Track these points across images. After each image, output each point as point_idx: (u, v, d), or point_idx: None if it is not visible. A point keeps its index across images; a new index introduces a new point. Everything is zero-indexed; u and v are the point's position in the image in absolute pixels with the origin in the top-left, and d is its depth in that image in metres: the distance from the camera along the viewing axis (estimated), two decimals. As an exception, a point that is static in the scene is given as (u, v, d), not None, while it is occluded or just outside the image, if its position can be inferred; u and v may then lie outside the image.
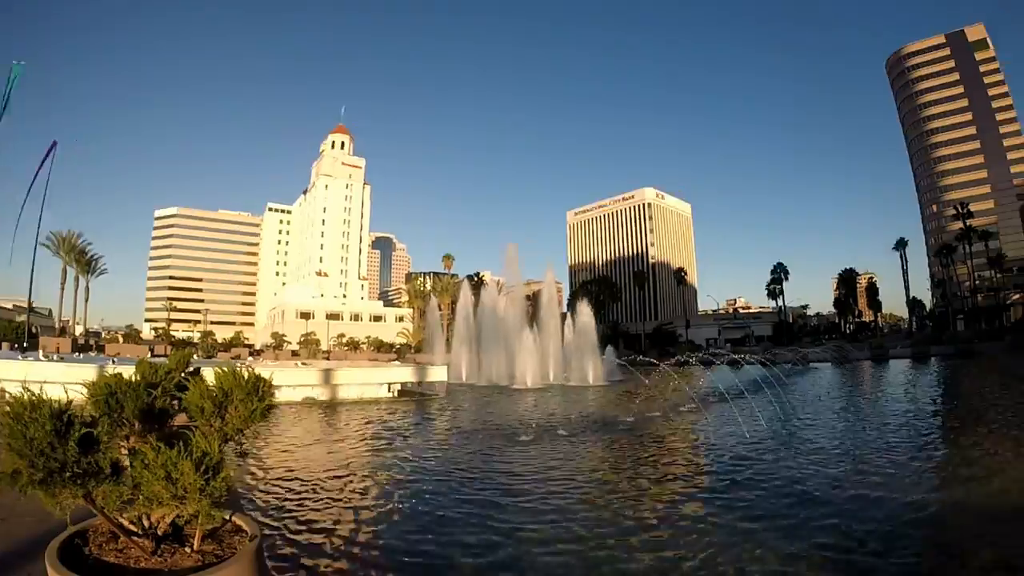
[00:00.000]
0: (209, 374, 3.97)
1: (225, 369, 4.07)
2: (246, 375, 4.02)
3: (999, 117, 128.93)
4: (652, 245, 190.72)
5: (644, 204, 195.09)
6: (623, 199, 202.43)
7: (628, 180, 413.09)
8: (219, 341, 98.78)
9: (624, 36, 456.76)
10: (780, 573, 5.03)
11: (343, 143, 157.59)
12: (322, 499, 7.62)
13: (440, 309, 75.51)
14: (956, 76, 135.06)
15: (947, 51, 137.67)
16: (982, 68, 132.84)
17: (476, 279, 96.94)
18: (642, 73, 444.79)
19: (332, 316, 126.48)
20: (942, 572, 5.20)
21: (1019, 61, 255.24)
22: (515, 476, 9.05)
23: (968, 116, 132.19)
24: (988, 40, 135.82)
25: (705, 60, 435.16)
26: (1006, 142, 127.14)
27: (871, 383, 28.55)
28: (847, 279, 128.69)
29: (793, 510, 6.82)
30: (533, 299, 56.99)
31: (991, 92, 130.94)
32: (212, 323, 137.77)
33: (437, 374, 26.74)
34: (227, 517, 3.80)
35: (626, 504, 7.34)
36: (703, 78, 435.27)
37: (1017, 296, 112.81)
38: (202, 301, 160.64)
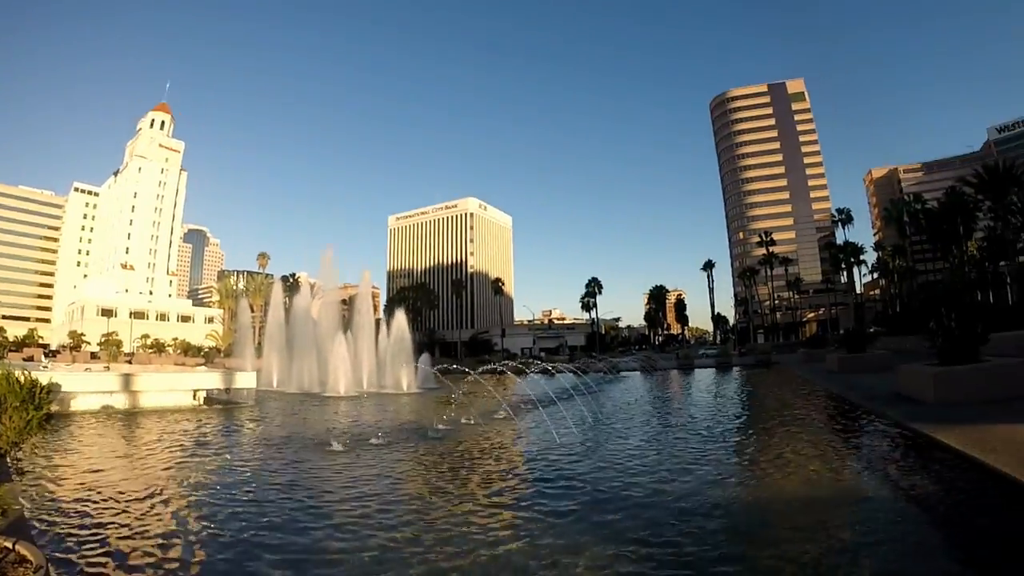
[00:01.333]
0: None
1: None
2: (22, 380, 3.64)
3: (806, 161, 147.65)
4: (472, 255, 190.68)
5: (467, 214, 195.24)
6: (446, 207, 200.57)
7: (452, 189, 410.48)
8: (9, 340, 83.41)
9: (465, 52, 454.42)
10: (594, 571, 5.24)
11: (163, 123, 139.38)
12: (119, 523, 6.83)
13: (252, 311, 69.14)
14: (772, 122, 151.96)
15: (767, 99, 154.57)
16: (797, 118, 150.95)
17: (291, 280, 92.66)
18: (473, 88, 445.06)
19: (137, 315, 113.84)
20: (736, 559, 5.52)
21: (828, 112, 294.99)
22: (325, 492, 8.69)
23: (779, 157, 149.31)
24: (805, 94, 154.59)
25: (535, 77, 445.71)
26: (810, 182, 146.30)
27: (678, 390, 29.79)
28: (657, 295, 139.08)
29: (603, 511, 7.13)
30: (349, 304, 56.16)
31: (802, 139, 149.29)
32: (2, 317, 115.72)
33: (246, 380, 25.84)
34: (10, 546, 3.43)
35: (438, 512, 7.40)
36: (533, 94, 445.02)
37: (811, 314, 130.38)
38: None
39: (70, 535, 6.20)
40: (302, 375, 36.48)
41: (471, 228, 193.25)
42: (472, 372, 24.38)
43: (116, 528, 6.58)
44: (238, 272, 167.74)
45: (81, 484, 8.91)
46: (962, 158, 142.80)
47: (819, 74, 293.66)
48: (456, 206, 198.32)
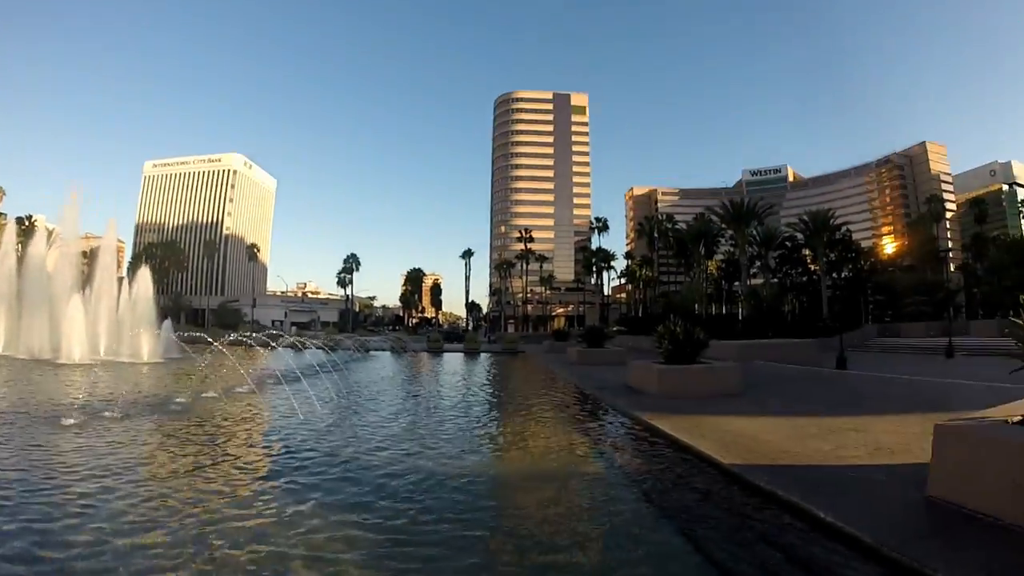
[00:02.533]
0: None
1: None
2: None
3: (575, 169, 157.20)
4: (230, 215, 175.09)
5: (230, 171, 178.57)
6: (208, 160, 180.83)
7: (218, 142, 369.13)
8: None
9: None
10: (337, 549, 5.26)
11: None
12: None
13: None
14: (551, 128, 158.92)
15: (550, 106, 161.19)
16: (575, 128, 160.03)
17: (27, 223, 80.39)
18: (260, 42, 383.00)
19: None
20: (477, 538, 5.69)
21: (605, 127, 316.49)
22: (66, 470, 7.92)
23: (551, 162, 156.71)
24: (586, 108, 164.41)
25: (315, 43, 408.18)
26: (576, 189, 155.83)
27: (425, 371, 30.12)
28: (414, 277, 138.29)
29: (347, 487, 7.29)
30: (90, 257, 50.14)
31: (575, 149, 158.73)
32: None
33: None
34: None
35: (176, 489, 7.09)
36: (321, 61, 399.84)
37: (561, 310, 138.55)
38: None
39: None
40: (32, 338, 31.58)
41: (232, 186, 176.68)
42: (217, 343, 22.49)
43: None
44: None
45: None
46: (716, 190, 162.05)
47: (609, 93, 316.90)
48: (220, 160, 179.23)
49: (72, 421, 11.36)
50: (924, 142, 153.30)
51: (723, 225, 75.61)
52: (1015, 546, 4.71)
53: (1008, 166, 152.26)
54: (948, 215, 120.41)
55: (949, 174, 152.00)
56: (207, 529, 5.63)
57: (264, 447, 9.90)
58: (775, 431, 10.18)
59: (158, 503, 6.45)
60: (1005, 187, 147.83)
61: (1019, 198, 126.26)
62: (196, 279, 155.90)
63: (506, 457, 9.66)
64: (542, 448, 10.04)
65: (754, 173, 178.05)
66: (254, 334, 29.60)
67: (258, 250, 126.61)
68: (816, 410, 12.76)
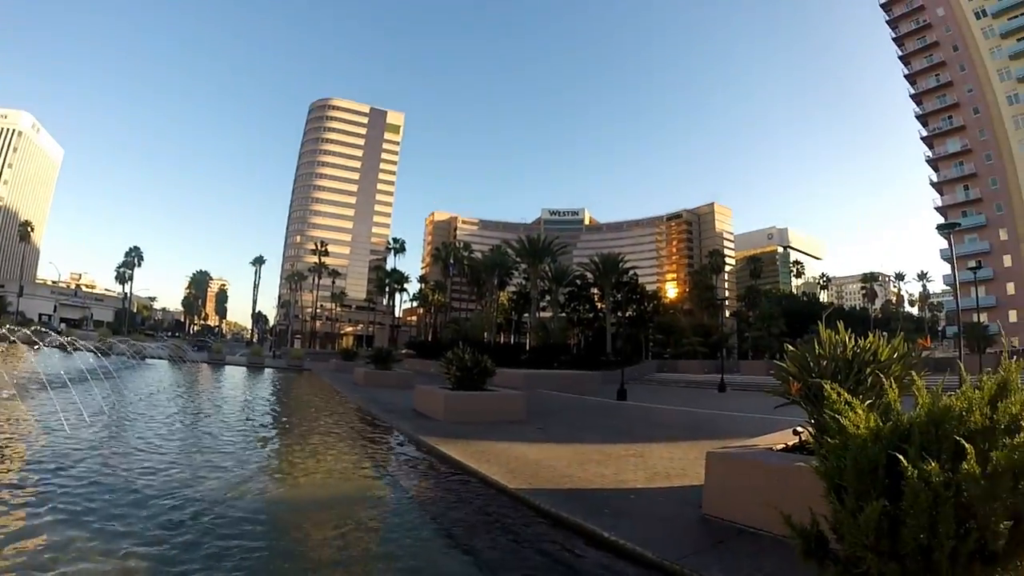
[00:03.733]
0: None
1: None
2: None
3: (380, 187, 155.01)
4: (5, 184, 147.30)
5: (14, 130, 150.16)
6: None
7: (8, 96, 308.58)
8: None
9: None
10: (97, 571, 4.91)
11: None
12: None
13: None
14: (362, 142, 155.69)
15: (365, 120, 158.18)
16: (386, 146, 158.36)
17: None
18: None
19: None
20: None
21: (415, 149, 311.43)
22: None
23: (356, 176, 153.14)
24: (401, 128, 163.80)
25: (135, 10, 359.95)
26: (377, 208, 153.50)
27: (206, 385, 28.68)
28: (199, 280, 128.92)
29: (119, 508, 6.72)
30: None
31: (383, 167, 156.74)
32: None
33: None
34: None
35: None
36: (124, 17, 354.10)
37: (351, 328, 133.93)
38: None
39: None
40: None
41: (14, 150, 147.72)
42: None
43: None
44: None
45: None
46: (515, 225, 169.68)
47: (424, 116, 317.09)
48: (5, 116, 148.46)
49: None
50: (713, 203, 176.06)
51: (518, 259, 79.28)
52: (780, 553, 4.90)
53: (785, 231, 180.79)
54: (727, 268, 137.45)
55: (732, 233, 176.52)
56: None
57: (33, 463, 8.77)
58: (559, 457, 10.42)
59: None
60: (780, 249, 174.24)
61: (791, 259, 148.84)
62: None
63: (288, 482, 9.03)
64: (327, 473, 9.71)
65: (553, 213, 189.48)
66: (19, 329, 26.31)
67: (32, 229, 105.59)
68: (598, 438, 13.14)
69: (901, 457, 2.91)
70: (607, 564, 5.51)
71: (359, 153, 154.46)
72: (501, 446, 11.33)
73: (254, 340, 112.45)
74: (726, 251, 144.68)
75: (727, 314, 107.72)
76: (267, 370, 43.62)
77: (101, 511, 6.49)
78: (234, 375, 35.87)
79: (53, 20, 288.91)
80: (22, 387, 18.24)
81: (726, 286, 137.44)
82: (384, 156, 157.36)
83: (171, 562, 5.17)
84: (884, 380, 4.03)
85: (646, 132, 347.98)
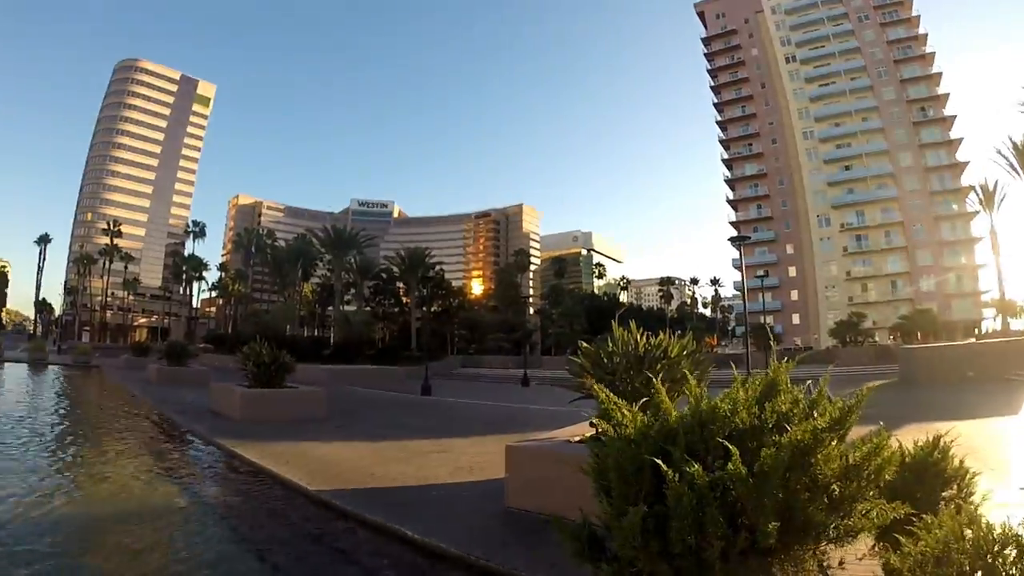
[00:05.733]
0: None
1: None
2: None
3: (183, 164, 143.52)
4: None
5: None
6: None
7: None
8: None
9: None
10: None
11: None
12: None
13: None
14: (168, 111, 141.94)
15: (174, 87, 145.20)
16: (193, 119, 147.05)
17: None
18: None
19: None
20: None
21: (223, 126, 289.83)
22: None
23: (158, 148, 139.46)
24: (212, 100, 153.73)
25: None
26: (178, 186, 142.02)
27: None
28: None
29: None
30: None
31: (188, 141, 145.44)
32: None
33: None
34: None
35: None
36: None
37: (144, 320, 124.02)
38: None
39: None
40: None
41: None
42: None
43: None
44: None
45: None
46: (322, 214, 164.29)
47: (235, 92, 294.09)
48: None
49: None
50: (521, 204, 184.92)
51: (323, 249, 78.04)
52: None
53: (589, 235, 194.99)
54: (533, 268, 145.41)
55: (538, 234, 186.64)
56: None
57: None
58: (362, 456, 10.46)
59: None
60: (584, 252, 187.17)
61: (594, 262, 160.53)
62: None
63: (73, 495, 8.42)
64: (120, 483, 9.01)
65: (362, 204, 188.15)
66: None
67: None
68: (402, 435, 13.28)
69: (659, 461, 2.94)
70: (410, 561, 5.61)
71: (163, 124, 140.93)
72: (302, 446, 11.18)
73: (37, 333, 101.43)
74: (532, 251, 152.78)
75: (531, 311, 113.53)
76: (51, 367, 41.07)
77: None
78: (12, 375, 33.26)
79: None
80: None
81: (531, 284, 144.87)
82: (190, 131, 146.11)
83: None
84: (654, 380, 3.88)
85: (458, 129, 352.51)
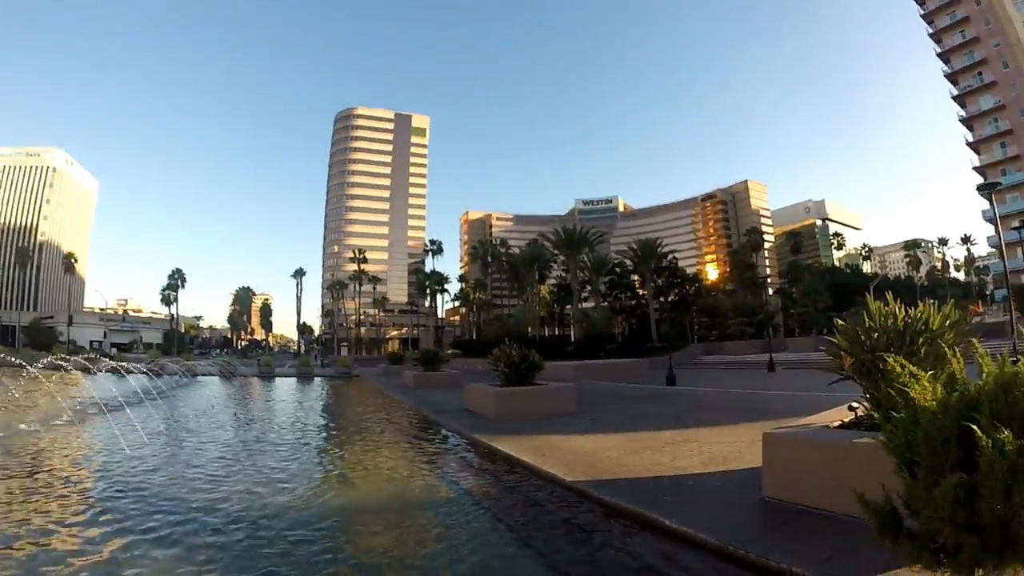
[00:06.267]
0: None
1: None
2: None
3: (412, 191, 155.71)
4: (46, 219, 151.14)
5: (48, 168, 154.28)
6: (26, 153, 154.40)
7: (35, 132, 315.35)
8: None
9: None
10: None
11: None
12: None
13: None
14: (390, 148, 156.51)
15: (391, 126, 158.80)
16: (413, 150, 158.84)
17: None
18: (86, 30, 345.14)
19: None
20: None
21: (444, 152, 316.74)
22: None
23: (387, 182, 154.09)
24: (427, 131, 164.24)
25: (151, 38, 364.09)
26: (411, 211, 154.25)
27: (258, 398, 28.90)
28: (243, 297, 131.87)
29: (180, 524, 6.66)
30: None
31: (413, 171, 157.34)
32: None
33: None
34: None
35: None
36: (141, 49, 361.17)
37: (395, 332, 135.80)
38: None
39: None
40: None
41: (50, 186, 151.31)
42: (30, 367, 20.87)
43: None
44: None
45: None
46: (549, 218, 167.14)
47: (449, 117, 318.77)
48: (38, 155, 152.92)
49: None
50: (747, 180, 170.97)
51: (555, 251, 79.16)
52: (843, 532, 5.07)
53: (821, 204, 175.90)
54: (767, 246, 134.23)
55: (768, 209, 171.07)
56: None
57: (91, 485, 8.78)
58: (613, 447, 10.28)
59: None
60: (819, 222, 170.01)
61: (830, 231, 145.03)
62: (6, 291, 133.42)
63: (349, 486, 8.96)
64: (391, 476, 9.60)
65: (587, 203, 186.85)
66: (72, 357, 27.45)
67: (76, 261, 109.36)
68: (650, 425, 12.86)
69: (975, 427, 2.85)
70: (669, 552, 5.48)
71: (388, 159, 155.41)
72: (554, 439, 11.25)
73: (301, 351, 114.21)
74: (764, 228, 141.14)
75: (770, 292, 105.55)
76: (316, 379, 44.17)
77: (175, 522, 6.69)
78: (286, 386, 36.33)
79: (74, 53, 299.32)
80: (80, 411, 18.60)
81: (767, 263, 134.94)
82: (413, 160, 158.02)
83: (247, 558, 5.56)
84: (945, 349, 3.88)
85: (672, 116, 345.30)
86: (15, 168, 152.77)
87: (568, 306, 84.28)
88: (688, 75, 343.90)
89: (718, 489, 7.19)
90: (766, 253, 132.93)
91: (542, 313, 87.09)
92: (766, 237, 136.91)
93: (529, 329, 66.15)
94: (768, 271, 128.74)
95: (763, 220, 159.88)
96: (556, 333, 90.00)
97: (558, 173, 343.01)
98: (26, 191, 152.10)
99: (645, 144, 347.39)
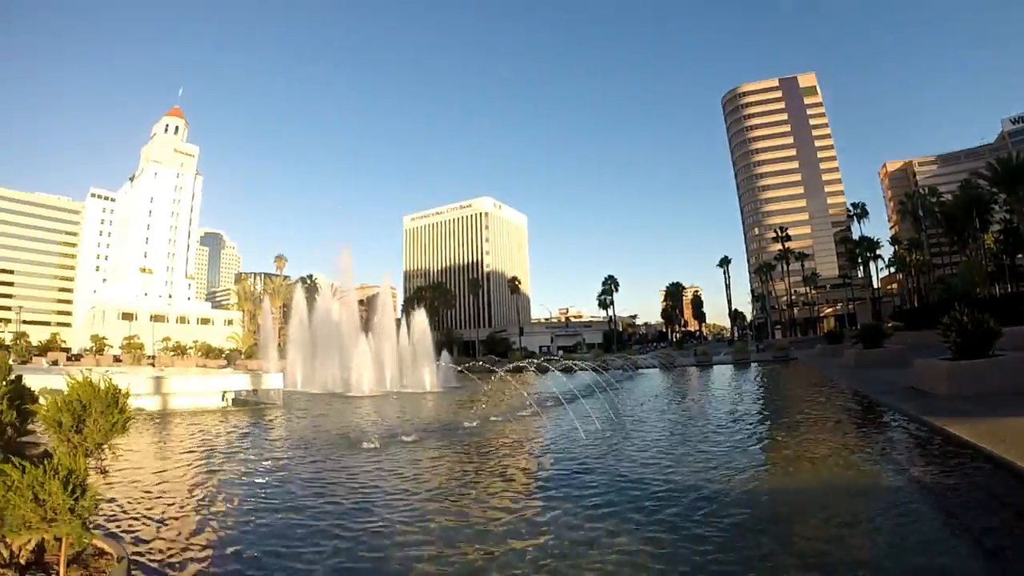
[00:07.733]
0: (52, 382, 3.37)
1: (79, 379, 3.93)
2: (103, 385, 3.85)
3: (820, 155, 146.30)
4: (488, 254, 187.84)
5: (482, 213, 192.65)
6: (460, 207, 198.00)
7: (465, 189, 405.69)
8: (33, 344, 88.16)
9: (473, 53, 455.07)
10: (629, 563, 5.42)
11: (177, 127, 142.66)
12: (177, 519, 7.42)
13: (272, 312, 72.63)
14: (785, 116, 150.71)
15: (779, 93, 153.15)
16: (809, 112, 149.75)
17: (309, 281, 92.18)
18: (482, 88, 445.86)
19: (157, 318, 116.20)
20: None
21: (842, 107, 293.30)
22: (379, 484, 9.30)
23: (793, 152, 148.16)
24: (817, 87, 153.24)
25: (544, 79, 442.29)
26: (824, 176, 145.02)
27: (697, 385, 29.81)
28: (673, 292, 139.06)
29: (635, 503, 7.41)
30: (367, 304, 56.79)
31: (815, 133, 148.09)
32: (24, 322, 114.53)
33: (272, 381, 25.82)
34: (97, 544, 3.69)
35: (483, 504, 7.94)
36: (543, 95, 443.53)
37: (829, 309, 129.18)
38: (12, 297, 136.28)
39: (133, 530, 6.80)
40: (325, 375, 36.95)
41: (486, 227, 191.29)
42: (498, 370, 24.96)
43: (178, 524, 7.19)
44: (255, 274, 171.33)
45: (154, 483, 9.59)
46: (977, 150, 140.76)
47: (830, 68, 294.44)
48: (471, 205, 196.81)
49: (371, 444, 12.86)
50: None
51: (993, 189, 66.84)
52: None
53: None
54: None
55: None
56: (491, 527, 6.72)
57: (553, 463, 10.61)
58: None
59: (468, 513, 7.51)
60: None
61: None
62: (464, 314, 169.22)
63: (790, 472, 9.12)
64: (831, 462, 9.34)
65: (1016, 121, 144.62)
66: (532, 360, 32.30)
67: (518, 282, 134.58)
68: None
69: None
70: None
71: (786, 128, 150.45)
72: (1018, 421, 9.71)
73: (734, 338, 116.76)
74: None
75: None
76: (752, 365, 44.38)
77: (629, 500, 7.58)
78: (722, 373, 36.90)
79: (483, 122, 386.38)
80: (541, 403, 20.75)
81: None
82: (812, 122, 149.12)
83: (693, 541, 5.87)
84: None
85: None
86: (455, 219, 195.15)
87: (1020, 255, 71.10)
88: None
89: None
90: None
91: (989, 268, 73.37)
92: None
93: (976, 289, 56.23)
94: None
95: None
96: (1008, 290, 73.18)
97: (970, 92, 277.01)
98: (468, 235, 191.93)
99: None
